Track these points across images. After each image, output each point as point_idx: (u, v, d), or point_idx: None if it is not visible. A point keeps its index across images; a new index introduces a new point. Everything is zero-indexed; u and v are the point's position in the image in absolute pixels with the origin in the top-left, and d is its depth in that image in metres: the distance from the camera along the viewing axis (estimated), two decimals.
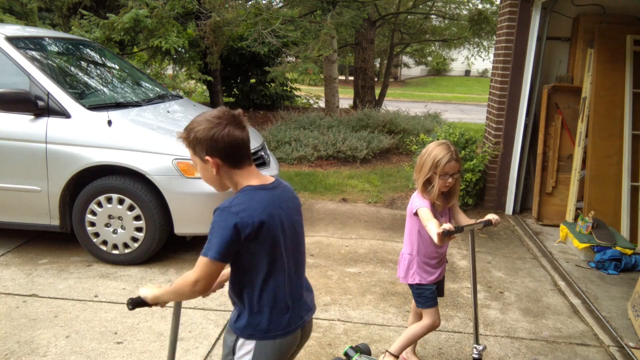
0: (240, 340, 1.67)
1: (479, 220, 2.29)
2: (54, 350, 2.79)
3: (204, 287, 1.57)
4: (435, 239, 2.13)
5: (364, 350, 2.74)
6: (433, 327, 2.54)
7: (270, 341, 1.66)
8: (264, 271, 1.62)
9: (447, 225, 2.09)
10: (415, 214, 2.36)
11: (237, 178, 1.63)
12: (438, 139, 5.57)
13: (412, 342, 2.67)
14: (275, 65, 11.15)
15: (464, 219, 2.44)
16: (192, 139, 1.58)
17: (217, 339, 2.96)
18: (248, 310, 1.65)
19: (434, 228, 2.18)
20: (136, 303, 1.69)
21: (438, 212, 2.42)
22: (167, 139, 3.81)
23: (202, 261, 1.54)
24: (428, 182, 2.37)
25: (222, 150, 1.57)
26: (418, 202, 2.37)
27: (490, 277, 3.99)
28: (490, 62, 6.89)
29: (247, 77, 12.99)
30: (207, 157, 1.57)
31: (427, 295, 2.50)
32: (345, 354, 2.68)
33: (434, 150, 2.34)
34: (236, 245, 1.55)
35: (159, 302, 1.69)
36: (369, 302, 3.49)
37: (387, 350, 2.63)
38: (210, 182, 1.67)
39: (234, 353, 1.68)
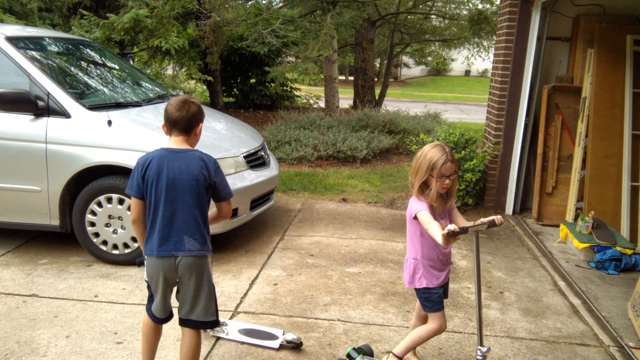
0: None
1: (483, 221, 2.29)
2: (54, 350, 2.79)
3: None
4: (440, 240, 2.13)
5: (366, 351, 2.73)
6: (439, 331, 2.52)
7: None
8: None
9: (452, 226, 2.10)
10: (415, 217, 2.35)
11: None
12: (438, 139, 5.59)
13: (417, 345, 2.66)
14: (275, 65, 11.15)
15: (462, 222, 2.44)
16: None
17: (217, 339, 2.96)
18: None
19: (436, 230, 2.19)
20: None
21: (437, 215, 2.42)
22: (167, 139, 3.80)
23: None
24: (425, 185, 2.36)
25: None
26: (416, 206, 2.36)
27: (490, 277, 3.99)
28: (490, 62, 6.89)
29: (247, 77, 12.98)
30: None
31: (435, 299, 2.48)
32: (348, 355, 2.68)
33: (430, 153, 2.33)
34: None
35: None
36: (369, 302, 3.49)
37: (390, 352, 2.62)
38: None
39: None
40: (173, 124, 2.22)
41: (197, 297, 2.26)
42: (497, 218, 2.29)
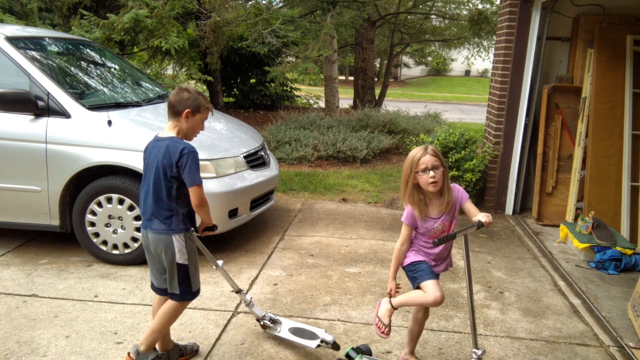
0: None
1: (473, 223, 2.29)
2: (54, 350, 2.79)
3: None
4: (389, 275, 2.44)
5: (365, 351, 2.73)
6: (434, 301, 2.32)
7: None
8: None
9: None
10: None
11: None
12: (438, 139, 5.59)
13: (410, 305, 2.57)
14: (275, 65, 11.15)
15: (476, 213, 2.41)
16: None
17: (217, 339, 2.96)
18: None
19: (393, 261, 2.51)
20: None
21: (435, 218, 2.43)
22: None
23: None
24: (411, 187, 2.40)
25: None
26: (404, 215, 2.49)
27: (490, 277, 3.99)
28: (490, 62, 6.89)
29: (247, 77, 12.98)
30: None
31: (423, 269, 2.40)
32: (347, 355, 2.68)
33: (410, 154, 2.40)
34: None
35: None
36: (369, 302, 3.49)
37: (390, 299, 2.52)
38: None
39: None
40: (168, 108, 2.51)
41: (166, 270, 2.52)
42: (485, 220, 2.27)
